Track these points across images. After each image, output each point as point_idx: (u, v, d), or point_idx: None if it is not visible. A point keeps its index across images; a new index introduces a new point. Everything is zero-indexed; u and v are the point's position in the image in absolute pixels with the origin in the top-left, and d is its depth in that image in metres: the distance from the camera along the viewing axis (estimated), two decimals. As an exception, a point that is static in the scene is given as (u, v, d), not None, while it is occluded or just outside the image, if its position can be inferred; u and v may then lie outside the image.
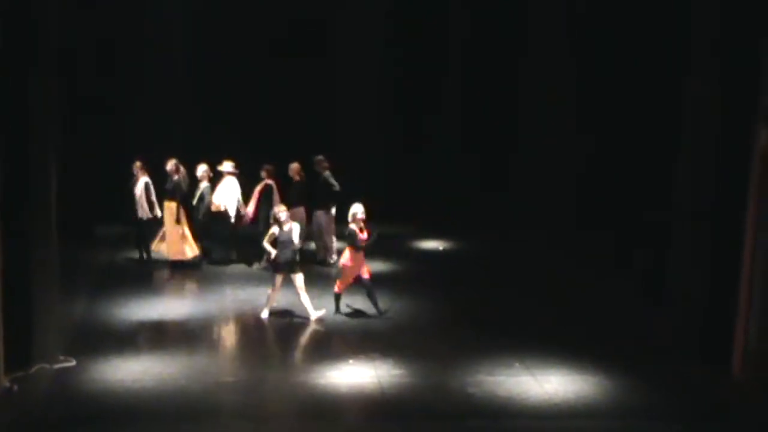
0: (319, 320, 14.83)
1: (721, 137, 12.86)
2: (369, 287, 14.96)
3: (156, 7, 22.29)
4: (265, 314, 15.01)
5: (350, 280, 15.03)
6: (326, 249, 18.46)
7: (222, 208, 17.94)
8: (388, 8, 22.97)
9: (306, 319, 14.88)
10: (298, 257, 14.85)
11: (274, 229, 14.85)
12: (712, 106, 12.96)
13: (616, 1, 17.11)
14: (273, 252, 14.79)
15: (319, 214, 18.31)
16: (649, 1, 15.83)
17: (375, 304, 15.01)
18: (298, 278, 14.78)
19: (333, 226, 18.31)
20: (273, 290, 14.96)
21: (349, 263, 14.87)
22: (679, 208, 13.68)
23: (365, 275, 14.92)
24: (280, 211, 14.95)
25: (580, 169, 18.57)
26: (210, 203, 18.00)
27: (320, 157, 18.31)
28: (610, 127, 17.27)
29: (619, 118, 16.91)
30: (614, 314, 15.04)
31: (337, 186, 17.98)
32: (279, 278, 14.83)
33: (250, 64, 22.17)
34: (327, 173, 18.17)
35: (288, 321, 14.98)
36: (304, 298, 14.86)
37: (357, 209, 14.87)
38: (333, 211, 18.20)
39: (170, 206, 17.96)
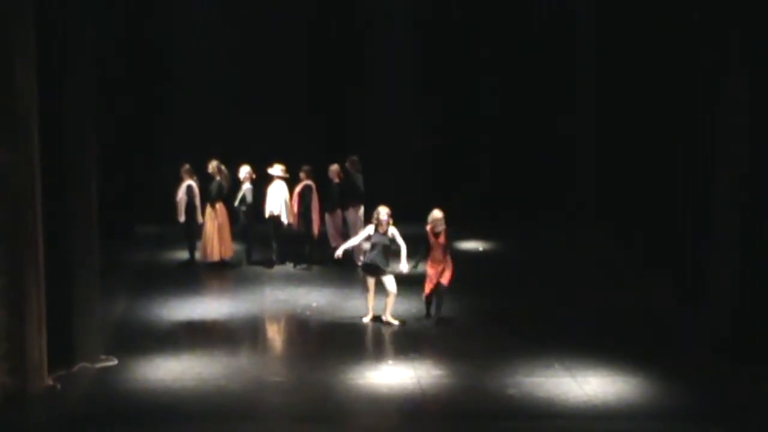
0: (388, 324, 14.60)
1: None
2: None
3: (200, 7, 22.40)
4: (366, 319, 14.78)
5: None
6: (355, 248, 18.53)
7: (276, 213, 17.90)
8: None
9: (346, 320, 14.93)
10: (386, 260, 14.54)
11: (369, 229, 14.72)
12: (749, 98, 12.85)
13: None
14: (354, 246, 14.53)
15: (348, 213, 18.40)
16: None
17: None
18: (387, 279, 14.53)
19: (360, 225, 18.33)
20: (368, 293, 14.79)
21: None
22: (719, 203, 13.55)
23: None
24: (384, 213, 14.55)
25: (613, 168, 18.52)
26: (251, 204, 18.02)
27: (354, 157, 18.44)
28: (643, 123, 17.19)
29: (652, 113, 16.77)
30: (653, 315, 14.93)
31: (362, 188, 18.21)
32: (370, 280, 14.66)
33: (290, 63, 22.26)
34: (359, 175, 18.32)
35: (327, 321, 14.99)
36: (391, 300, 14.59)
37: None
38: (361, 211, 18.24)
39: (212, 207, 18.02)
